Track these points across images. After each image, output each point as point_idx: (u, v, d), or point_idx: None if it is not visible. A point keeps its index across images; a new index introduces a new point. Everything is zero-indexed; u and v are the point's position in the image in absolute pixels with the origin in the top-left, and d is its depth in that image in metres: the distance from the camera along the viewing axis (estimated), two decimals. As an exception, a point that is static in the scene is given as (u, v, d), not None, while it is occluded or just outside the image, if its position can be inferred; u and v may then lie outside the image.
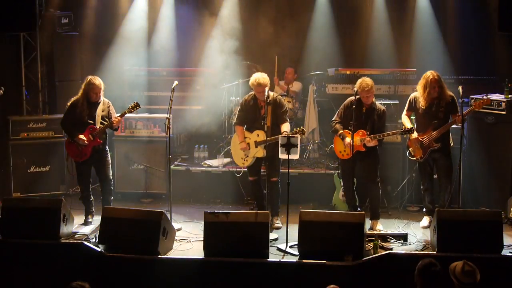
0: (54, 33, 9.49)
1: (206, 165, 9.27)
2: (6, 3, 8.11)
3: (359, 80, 7.60)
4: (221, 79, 9.83)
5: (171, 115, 7.71)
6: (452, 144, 7.87)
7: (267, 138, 7.44)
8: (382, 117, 7.69)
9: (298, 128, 7.55)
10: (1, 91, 8.54)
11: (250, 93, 7.98)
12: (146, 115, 9.18)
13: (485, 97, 7.94)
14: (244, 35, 10.18)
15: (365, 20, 10.17)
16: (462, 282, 4.87)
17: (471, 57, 9.50)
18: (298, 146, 7.14)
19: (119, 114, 7.88)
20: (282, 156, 7.17)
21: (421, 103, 7.58)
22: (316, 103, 9.49)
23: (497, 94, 8.36)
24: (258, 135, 7.76)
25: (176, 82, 7.84)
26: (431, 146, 7.57)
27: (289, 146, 7.07)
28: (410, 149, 7.77)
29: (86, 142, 7.69)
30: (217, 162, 9.28)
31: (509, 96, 8.17)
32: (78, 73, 9.81)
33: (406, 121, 7.79)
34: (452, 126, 7.64)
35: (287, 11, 10.34)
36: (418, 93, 7.66)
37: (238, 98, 9.54)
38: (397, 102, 8.99)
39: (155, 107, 8.87)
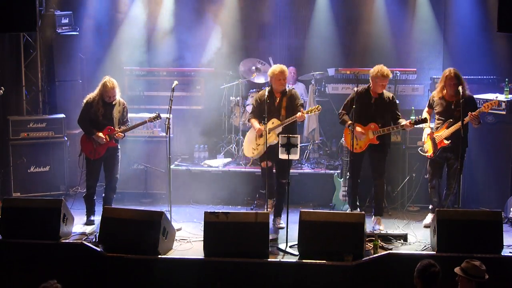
0: (54, 33, 9.48)
1: (206, 165, 9.27)
2: (6, 3, 8.10)
3: (378, 67, 7.52)
4: (221, 79, 9.84)
5: (171, 115, 7.71)
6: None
7: (284, 121, 7.55)
8: (394, 104, 7.63)
9: (314, 107, 7.69)
10: (1, 91, 8.54)
11: (264, 88, 8.00)
12: (146, 115, 9.17)
13: (494, 99, 7.86)
14: (244, 35, 10.19)
15: (365, 20, 10.16)
16: (479, 276, 4.97)
17: (471, 57, 9.48)
18: (298, 146, 7.15)
19: (138, 123, 8.02)
20: (282, 156, 7.17)
21: (436, 98, 7.58)
22: (316, 103, 9.48)
23: (497, 94, 8.37)
24: (273, 122, 7.71)
25: (176, 82, 7.85)
26: (442, 144, 7.53)
27: (289, 146, 7.07)
28: (424, 145, 7.72)
29: (104, 140, 7.74)
30: (217, 162, 9.28)
31: (509, 96, 8.18)
32: (78, 73, 9.81)
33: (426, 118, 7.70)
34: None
35: (287, 11, 10.33)
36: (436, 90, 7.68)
37: (238, 98, 9.54)
38: (397, 102, 8.95)
39: (155, 107, 8.86)
